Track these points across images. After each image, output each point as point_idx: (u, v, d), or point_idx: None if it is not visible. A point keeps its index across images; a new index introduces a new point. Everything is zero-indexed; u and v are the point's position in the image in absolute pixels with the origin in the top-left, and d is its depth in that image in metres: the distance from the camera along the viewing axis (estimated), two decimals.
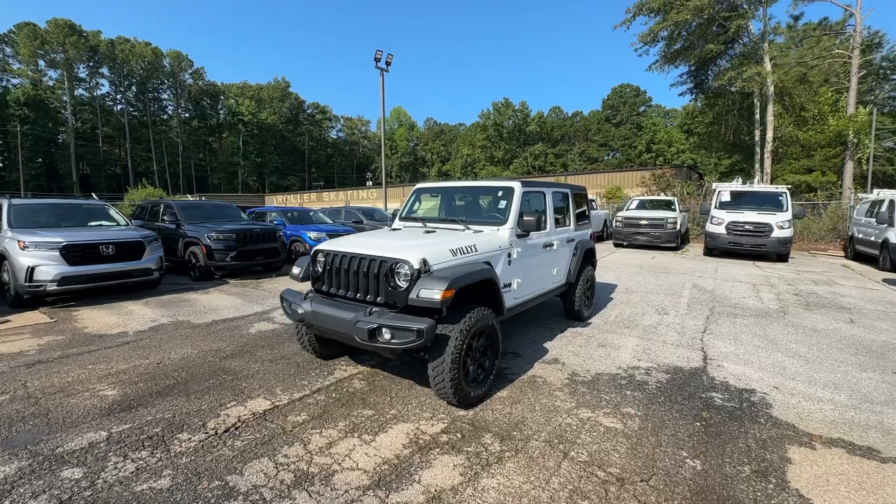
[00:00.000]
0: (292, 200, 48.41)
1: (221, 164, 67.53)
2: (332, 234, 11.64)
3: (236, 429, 3.17)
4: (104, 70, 57.12)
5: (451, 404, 3.53)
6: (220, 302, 7.23)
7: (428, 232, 4.38)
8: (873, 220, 12.06)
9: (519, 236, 4.48)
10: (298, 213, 13.12)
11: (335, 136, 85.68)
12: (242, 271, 10.11)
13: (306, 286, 4.23)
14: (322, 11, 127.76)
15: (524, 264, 4.58)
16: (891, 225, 11.01)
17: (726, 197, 12.99)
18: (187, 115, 66.25)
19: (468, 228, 4.49)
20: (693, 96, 23.48)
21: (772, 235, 11.62)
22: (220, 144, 69.32)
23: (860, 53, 19.43)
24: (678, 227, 13.97)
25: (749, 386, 4.07)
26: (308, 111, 78.77)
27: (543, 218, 4.94)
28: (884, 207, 11.65)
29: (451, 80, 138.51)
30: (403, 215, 5.24)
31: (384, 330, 3.22)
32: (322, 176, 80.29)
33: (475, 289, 3.71)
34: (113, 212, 8.83)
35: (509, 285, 4.33)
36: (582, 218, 6.23)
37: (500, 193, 4.72)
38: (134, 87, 60.18)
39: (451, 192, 5.31)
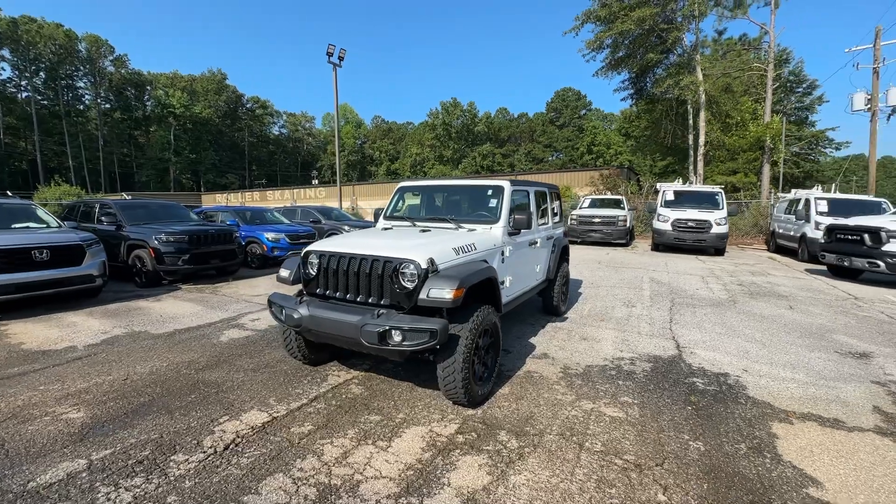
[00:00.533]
0: (233, 199, 45.71)
1: (150, 160, 62.27)
2: (292, 235, 11.16)
3: (237, 445, 2.94)
4: (4, 52, 50.54)
5: (459, 404, 3.50)
6: (178, 309, 6.67)
7: (423, 231, 4.32)
8: (792, 216, 13.53)
9: (510, 234, 4.54)
10: (252, 213, 12.41)
11: (277, 133, 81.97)
12: (195, 276, 9.39)
13: (291, 289, 4.02)
14: (260, 4, 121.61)
15: (514, 262, 4.65)
16: (807, 221, 12.40)
17: (670, 196, 14.00)
18: (108, 105, 60.37)
19: (460, 227, 4.48)
20: (633, 101, 25.04)
21: (711, 231, 12.70)
22: (147, 139, 63.91)
23: (774, 67, 21.70)
24: (628, 225, 14.85)
25: (722, 370, 4.42)
26: (247, 105, 74.69)
27: (531, 216, 5.04)
28: (801, 206, 13.10)
29: (398, 80, 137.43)
30: (388, 214, 5.12)
31: (395, 332, 3.13)
32: (264, 174, 76.52)
33: (477, 287, 3.71)
34: (41, 212, 7.85)
35: (503, 283, 4.37)
36: (557, 216, 6.43)
37: (489, 192, 4.75)
38: (42, 73, 53.80)
39: (435, 191, 5.26)
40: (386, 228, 4.70)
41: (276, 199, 42.63)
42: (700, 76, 20.01)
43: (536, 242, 5.32)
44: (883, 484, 2.62)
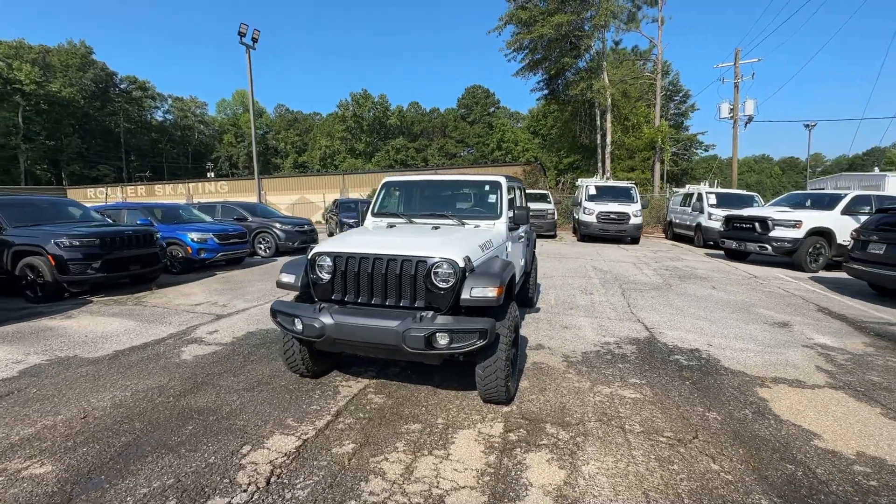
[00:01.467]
0: (112, 196, 39.47)
1: None
2: (221, 235, 10.04)
3: (280, 476, 2.59)
4: None
5: (497, 403, 3.47)
6: (104, 327, 5.61)
7: (434, 228, 4.16)
8: (688, 208, 15.64)
9: (510, 229, 4.59)
10: (165, 211, 10.85)
11: (162, 119, 72.39)
12: (105, 286, 7.97)
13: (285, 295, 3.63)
14: None
15: (512, 256, 4.72)
16: (701, 212, 14.43)
17: (593, 191, 15.30)
18: None
19: (462, 223, 4.41)
20: (547, 101, 26.76)
21: (630, 222, 14.17)
22: None
23: (661, 77, 24.74)
24: (555, 218, 15.92)
25: (693, 346, 4.98)
26: (121, 86, 64.72)
27: (528, 211, 5.13)
28: (695, 199, 15.19)
29: (302, 68, 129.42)
30: (376, 211, 4.84)
31: (440, 335, 3.00)
32: (147, 165, 67.14)
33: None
34: None
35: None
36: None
37: (487, 187, 4.74)
38: None
39: (426, 187, 5.11)
40: (391, 226, 4.43)
41: (167, 195, 37.72)
42: (607, 81, 22.10)
43: (522, 236, 5.45)
44: (861, 429, 3.19)
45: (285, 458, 2.77)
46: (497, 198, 4.62)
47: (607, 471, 2.67)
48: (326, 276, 3.46)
